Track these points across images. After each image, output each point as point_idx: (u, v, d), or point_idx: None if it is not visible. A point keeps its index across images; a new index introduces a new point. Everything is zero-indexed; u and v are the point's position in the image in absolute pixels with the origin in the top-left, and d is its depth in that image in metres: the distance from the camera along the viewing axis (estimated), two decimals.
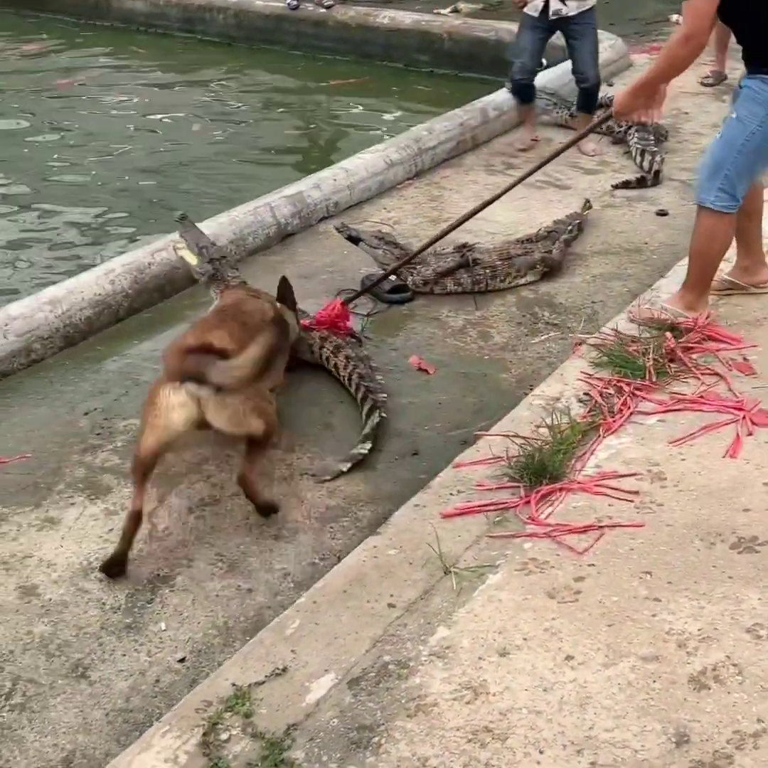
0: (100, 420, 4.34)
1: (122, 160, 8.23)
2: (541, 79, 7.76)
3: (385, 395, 4.27)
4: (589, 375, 4.02)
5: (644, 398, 3.83)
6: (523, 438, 3.62)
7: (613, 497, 3.28)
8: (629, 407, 3.77)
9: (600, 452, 3.54)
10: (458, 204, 6.58)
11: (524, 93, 7.35)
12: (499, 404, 4.33)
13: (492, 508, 3.28)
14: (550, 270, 5.52)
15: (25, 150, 8.52)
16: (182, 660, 3.11)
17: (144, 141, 8.71)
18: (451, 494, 3.38)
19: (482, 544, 3.15)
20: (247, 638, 3.13)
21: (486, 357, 4.80)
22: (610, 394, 3.88)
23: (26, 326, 4.78)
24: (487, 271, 5.35)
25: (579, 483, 3.36)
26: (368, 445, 3.97)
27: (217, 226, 5.74)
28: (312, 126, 9.41)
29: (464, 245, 5.43)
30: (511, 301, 5.34)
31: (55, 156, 8.37)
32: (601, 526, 3.14)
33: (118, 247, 6.41)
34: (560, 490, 3.33)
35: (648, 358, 4.01)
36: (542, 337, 4.95)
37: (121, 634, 3.20)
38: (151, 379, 4.05)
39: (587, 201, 6.29)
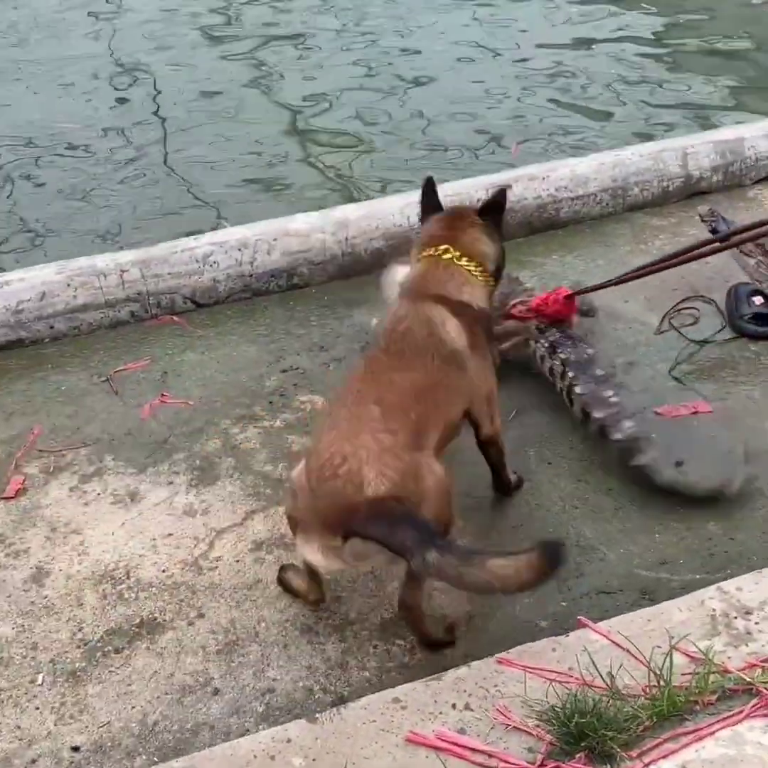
0: (290, 384, 3.76)
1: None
2: None
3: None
4: None
5: None
6: (634, 659, 2.36)
7: None
8: None
9: (711, 744, 2.18)
10: None
11: None
12: (748, 555, 2.98)
13: (476, 760, 2.19)
14: None
15: None
16: (76, 749, 2.58)
17: None
18: (453, 705, 2.32)
19: None
20: (156, 759, 2.51)
21: None
22: None
23: (298, 245, 4.26)
24: None
25: None
26: None
27: (591, 167, 4.60)
28: None
29: None
30: None
31: None
32: None
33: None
34: None
35: None
36: None
37: (58, 679, 2.74)
38: None
39: None
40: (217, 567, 3.02)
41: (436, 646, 2.72)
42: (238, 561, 3.03)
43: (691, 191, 4.71)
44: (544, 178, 4.51)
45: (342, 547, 2.46)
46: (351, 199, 4.98)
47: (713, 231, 3.90)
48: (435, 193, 2.97)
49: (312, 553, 2.55)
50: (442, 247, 2.81)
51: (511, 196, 4.34)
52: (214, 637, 2.81)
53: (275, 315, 4.15)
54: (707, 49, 7.03)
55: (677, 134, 5.18)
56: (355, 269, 4.29)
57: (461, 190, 4.44)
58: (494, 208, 2.91)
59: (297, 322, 4.10)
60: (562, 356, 3.46)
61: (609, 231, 4.52)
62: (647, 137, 5.40)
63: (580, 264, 4.32)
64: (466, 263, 2.80)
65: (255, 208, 5.12)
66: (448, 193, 4.34)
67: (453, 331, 2.73)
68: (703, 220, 3.94)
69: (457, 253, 2.80)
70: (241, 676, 2.71)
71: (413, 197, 4.34)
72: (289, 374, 3.79)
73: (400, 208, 4.35)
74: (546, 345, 3.52)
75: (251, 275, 4.19)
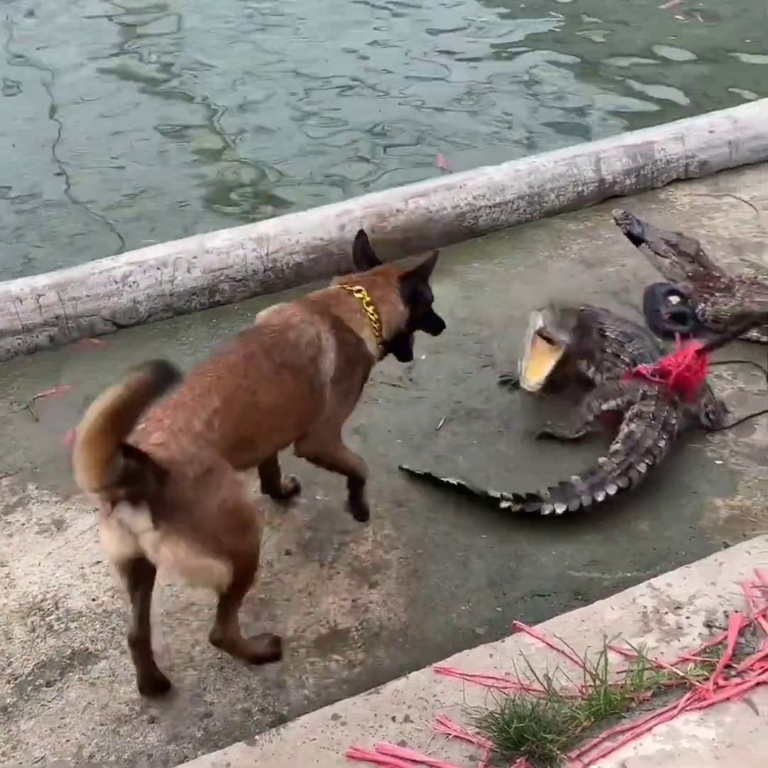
0: None
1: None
2: None
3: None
4: (762, 584, 2.55)
5: None
6: (570, 660, 2.38)
7: None
8: (767, 670, 2.32)
9: (648, 740, 2.20)
10: None
11: None
12: (676, 550, 3.02)
13: None
14: None
15: None
16: None
17: None
18: (393, 717, 2.31)
19: None
20: None
21: (718, 461, 3.37)
22: (763, 631, 2.43)
23: (218, 263, 4.22)
24: None
25: None
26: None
27: (507, 175, 4.64)
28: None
29: None
30: None
31: None
32: None
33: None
34: None
35: None
36: None
37: None
38: None
39: None
40: None
41: (262, 661, 2.71)
42: (169, 585, 2.97)
43: (605, 195, 4.78)
44: (461, 187, 4.55)
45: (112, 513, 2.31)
46: (269, 214, 4.94)
47: (628, 233, 3.97)
48: (367, 246, 3.07)
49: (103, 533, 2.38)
50: (357, 287, 2.92)
51: (431, 206, 4.40)
52: None
53: (198, 333, 4.11)
54: (615, 54, 7.14)
55: (590, 139, 5.25)
56: (278, 284, 4.28)
57: (380, 201, 4.45)
58: (416, 278, 3.00)
59: (221, 339, 4.06)
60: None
61: (527, 237, 4.57)
62: (561, 143, 5.47)
63: (501, 271, 4.36)
64: (371, 311, 2.89)
65: (170, 227, 5.05)
66: (367, 205, 4.38)
67: (329, 360, 2.77)
68: (618, 223, 4.01)
69: (367, 298, 2.89)
70: (178, 702, 2.66)
71: (333, 209, 4.38)
72: None
73: (320, 221, 4.34)
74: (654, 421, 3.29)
75: (172, 294, 4.14)
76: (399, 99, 6.53)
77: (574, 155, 4.74)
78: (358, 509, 3.09)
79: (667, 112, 6.00)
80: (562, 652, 2.38)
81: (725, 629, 2.42)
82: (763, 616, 2.44)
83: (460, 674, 2.36)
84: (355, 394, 2.93)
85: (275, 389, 2.63)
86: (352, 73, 6.86)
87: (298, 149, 5.92)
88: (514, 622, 2.53)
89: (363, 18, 7.76)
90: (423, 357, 3.90)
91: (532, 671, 2.30)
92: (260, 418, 2.60)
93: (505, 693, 2.28)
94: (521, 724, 2.15)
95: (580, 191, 4.71)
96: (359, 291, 2.91)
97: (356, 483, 3.05)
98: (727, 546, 2.96)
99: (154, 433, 2.36)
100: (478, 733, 2.22)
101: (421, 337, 3.90)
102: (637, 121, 5.98)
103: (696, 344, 3.42)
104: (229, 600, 2.55)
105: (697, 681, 2.28)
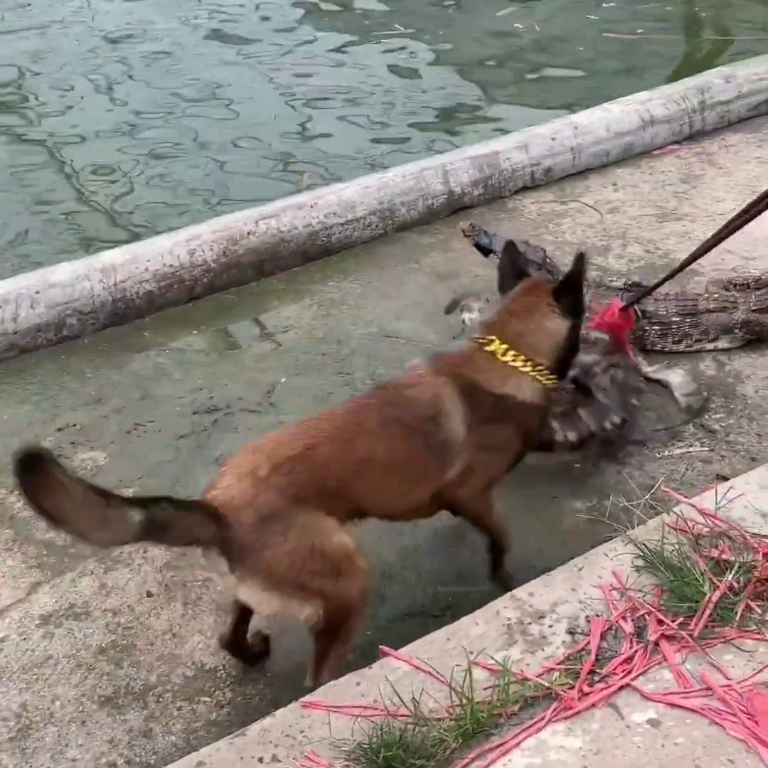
0: (67, 443, 3.59)
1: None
2: None
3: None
4: (620, 586, 2.58)
5: (666, 659, 2.37)
6: (437, 681, 2.35)
7: None
8: (629, 672, 2.34)
9: (517, 756, 2.18)
10: (713, 194, 4.93)
11: None
12: (539, 557, 3.03)
13: None
14: (758, 339, 3.87)
15: None
16: None
17: None
18: (260, 759, 2.23)
19: None
20: None
21: (577, 464, 3.41)
22: (624, 633, 2.45)
23: (63, 296, 4.08)
24: (657, 327, 3.83)
25: None
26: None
27: (356, 191, 4.63)
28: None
29: (633, 285, 3.92)
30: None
31: None
32: None
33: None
34: None
35: (720, 582, 2.49)
36: (679, 450, 3.44)
37: None
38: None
39: None
40: (2, 648, 2.84)
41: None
42: (24, 639, 2.86)
43: (455, 207, 4.81)
44: (312, 206, 4.51)
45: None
46: (118, 242, 4.79)
47: (477, 245, 3.99)
48: (517, 260, 2.90)
49: None
50: (489, 338, 2.72)
51: (282, 226, 4.35)
52: (5, 724, 2.64)
53: (47, 371, 3.97)
54: (453, 62, 7.20)
55: (436, 149, 5.29)
56: (130, 315, 4.17)
57: (230, 224, 4.39)
58: (571, 287, 2.77)
59: (71, 375, 3.93)
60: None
61: (381, 252, 4.56)
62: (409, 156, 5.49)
63: (357, 287, 4.34)
64: (511, 358, 2.69)
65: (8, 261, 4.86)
66: (216, 228, 4.31)
67: (456, 422, 2.63)
68: (466, 236, 4.02)
69: (503, 347, 2.69)
70: (38, 762, 2.55)
71: (182, 235, 4.29)
72: (65, 432, 3.62)
73: (169, 247, 4.25)
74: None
75: (16, 332, 3.99)
76: (245, 118, 6.45)
77: (422, 169, 4.76)
78: (499, 579, 2.93)
79: (510, 121, 6.09)
80: (429, 673, 2.36)
81: (587, 635, 2.43)
82: (623, 617, 2.45)
83: (327, 706, 2.31)
84: (505, 449, 2.76)
85: (378, 442, 2.57)
86: (199, 92, 6.76)
87: (142, 172, 5.77)
88: (380, 647, 2.48)
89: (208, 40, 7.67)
90: (282, 380, 3.85)
91: (399, 696, 2.27)
92: (356, 468, 2.53)
93: (372, 721, 2.24)
94: (390, 753, 2.11)
95: (430, 204, 4.73)
96: (491, 342, 2.71)
97: (497, 550, 2.93)
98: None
99: (225, 477, 2.41)
100: (346, 766, 2.17)
101: (279, 358, 3.88)
102: (484, 131, 6.06)
103: (618, 302, 3.47)
104: (323, 646, 2.51)
105: (562, 690, 2.28)
